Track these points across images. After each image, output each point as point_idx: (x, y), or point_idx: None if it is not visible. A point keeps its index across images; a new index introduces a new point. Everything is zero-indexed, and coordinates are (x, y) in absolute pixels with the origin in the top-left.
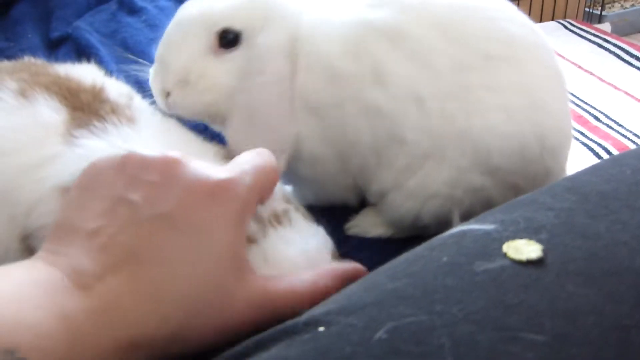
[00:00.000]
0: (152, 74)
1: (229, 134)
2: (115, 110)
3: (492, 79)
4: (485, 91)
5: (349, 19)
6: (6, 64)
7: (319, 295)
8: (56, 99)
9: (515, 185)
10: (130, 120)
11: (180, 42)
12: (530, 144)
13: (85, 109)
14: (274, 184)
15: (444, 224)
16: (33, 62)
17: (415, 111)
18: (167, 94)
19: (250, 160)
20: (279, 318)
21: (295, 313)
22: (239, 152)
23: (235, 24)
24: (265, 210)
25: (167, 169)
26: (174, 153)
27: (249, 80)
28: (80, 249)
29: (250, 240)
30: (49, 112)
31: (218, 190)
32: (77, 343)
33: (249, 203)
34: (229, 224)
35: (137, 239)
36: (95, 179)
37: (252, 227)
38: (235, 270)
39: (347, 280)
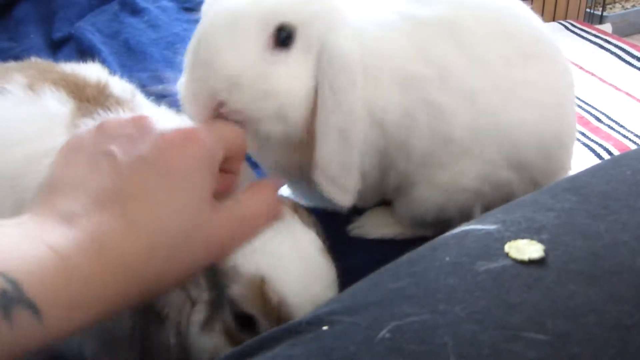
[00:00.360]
0: (188, 83)
1: (319, 155)
2: (119, 102)
3: (528, 75)
4: (523, 87)
5: (404, 17)
6: (14, 63)
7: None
8: (63, 92)
9: (535, 181)
10: (134, 111)
11: (231, 40)
12: (552, 141)
13: (92, 101)
14: (241, 143)
15: (465, 217)
16: (40, 62)
17: (468, 107)
18: (217, 103)
19: (218, 126)
20: (248, 233)
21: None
22: (331, 171)
23: (292, 19)
24: None
25: (140, 122)
26: (143, 113)
27: (333, 94)
28: (66, 199)
29: None
30: (56, 104)
31: (187, 137)
32: (69, 274)
33: (216, 151)
34: (200, 166)
35: (118, 181)
36: (77, 143)
37: None
38: (206, 205)
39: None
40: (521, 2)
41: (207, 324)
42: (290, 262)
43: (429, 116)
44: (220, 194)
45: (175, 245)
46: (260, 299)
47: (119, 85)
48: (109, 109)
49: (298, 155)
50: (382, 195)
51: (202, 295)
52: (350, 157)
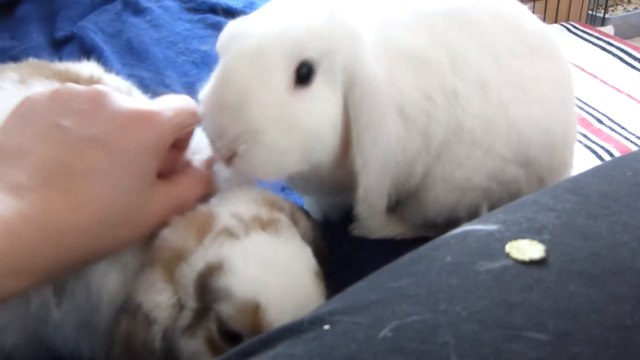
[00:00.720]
0: (211, 127)
1: (362, 190)
2: None
3: (536, 70)
4: (532, 82)
5: (415, 13)
6: (11, 64)
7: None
8: (55, 84)
9: (541, 178)
10: None
11: (254, 79)
12: (558, 138)
13: None
14: (193, 118)
15: (473, 217)
16: (35, 61)
17: (479, 97)
18: (235, 153)
19: (172, 101)
20: (179, 211)
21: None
22: (372, 200)
23: (314, 53)
24: (246, 212)
25: (96, 98)
26: (102, 87)
27: (370, 129)
28: (15, 168)
29: (231, 233)
30: None
31: (141, 118)
32: (14, 246)
33: (167, 133)
34: (149, 148)
35: (68, 157)
36: (30, 109)
37: (232, 222)
38: (149, 186)
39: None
40: (520, 4)
41: (190, 330)
42: (283, 293)
43: (446, 100)
44: (163, 170)
45: (116, 223)
46: (252, 323)
47: (114, 82)
48: None
49: (325, 180)
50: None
51: (189, 302)
52: (385, 183)
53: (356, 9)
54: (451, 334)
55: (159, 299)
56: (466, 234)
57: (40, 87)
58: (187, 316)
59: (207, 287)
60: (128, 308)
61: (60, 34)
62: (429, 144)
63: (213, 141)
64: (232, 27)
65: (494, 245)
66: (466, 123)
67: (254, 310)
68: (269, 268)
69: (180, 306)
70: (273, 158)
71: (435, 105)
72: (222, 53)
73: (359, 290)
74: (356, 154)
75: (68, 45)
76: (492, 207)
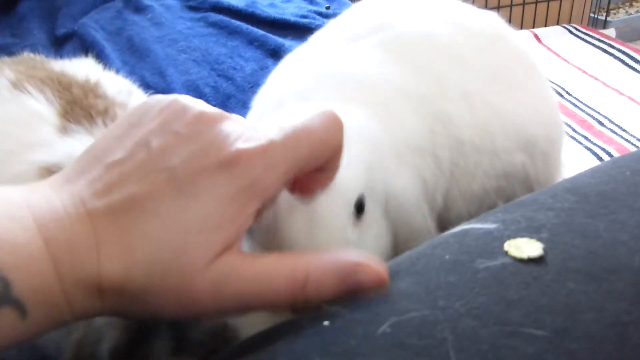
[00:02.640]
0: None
1: None
2: (107, 110)
3: (501, 55)
4: (503, 68)
5: (388, 45)
6: (7, 58)
7: (298, 293)
8: (49, 92)
9: (545, 153)
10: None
11: (325, 220)
12: (547, 109)
13: (77, 102)
14: (324, 152)
15: None
16: (32, 57)
17: (467, 108)
18: None
19: (303, 127)
20: (244, 305)
21: (265, 305)
22: None
23: (364, 189)
24: None
25: (197, 124)
26: (215, 110)
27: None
28: (90, 181)
29: None
30: (38, 105)
31: (230, 162)
32: (58, 271)
33: (263, 180)
34: (228, 198)
35: (140, 187)
36: (141, 115)
37: None
38: (212, 244)
39: (349, 282)
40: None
41: None
42: None
43: (443, 127)
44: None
45: (157, 274)
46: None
47: (114, 84)
48: (92, 111)
49: None
50: None
51: None
52: None
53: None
54: (450, 330)
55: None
56: (465, 232)
57: (35, 95)
58: None
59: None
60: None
61: (61, 31)
62: (441, 166)
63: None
64: None
65: (493, 243)
66: (464, 137)
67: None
68: None
69: None
70: None
71: (436, 134)
72: None
73: None
74: None
75: (69, 42)
76: (506, 202)
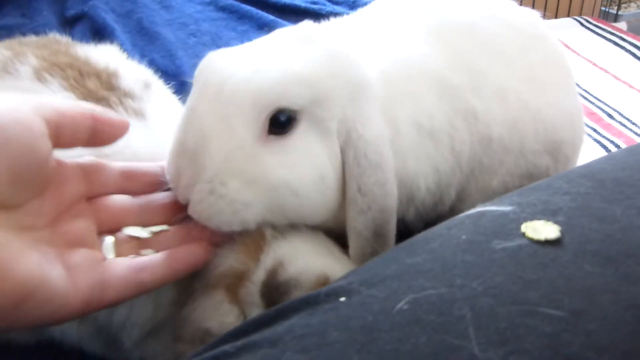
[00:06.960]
0: (169, 167)
1: (352, 253)
2: (124, 94)
3: (539, 55)
4: (539, 68)
5: (427, 30)
6: (33, 38)
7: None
8: (67, 83)
9: (567, 157)
10: (138, 113)
11: (219, 127)
12: (575, 111)
13: (92, 95)
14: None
15: None
16: (57, 40)
17: (499, 106)
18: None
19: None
20: None
21: None
22: (365, 259)
23: (294, 103)
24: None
25: None
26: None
27: (362, 195)
28: None
29: (275, 237)
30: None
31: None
32: None
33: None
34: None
35: None
36: None
37: (270, 230)
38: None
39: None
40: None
41: None
42: (337, 262)
43: (466, 123)
44: None
45: None
46: None
47: (132, 75)
48: (109, 103)
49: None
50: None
51: (254, 310)
52: (387, 242)
53: (368, 44)
54: (468, 307)
55: (228, 320)
56: (481, 214)
57: (55, 85)
58: None
59: (274, 286)
60: (185, 335)
61: (71, 12)
62: (460, 161)
63: (170, 182)
64: (206, 59)
65: (509, 225)
66: (493, 135)
67: (326, 282)
68: (317, 248)
69: (245, 318)
70: (230, 210)
71: (456, 129)
72: (193, 85)
73: (375, 265)
74: (347, 219)
75: (79, 23)
76: None
